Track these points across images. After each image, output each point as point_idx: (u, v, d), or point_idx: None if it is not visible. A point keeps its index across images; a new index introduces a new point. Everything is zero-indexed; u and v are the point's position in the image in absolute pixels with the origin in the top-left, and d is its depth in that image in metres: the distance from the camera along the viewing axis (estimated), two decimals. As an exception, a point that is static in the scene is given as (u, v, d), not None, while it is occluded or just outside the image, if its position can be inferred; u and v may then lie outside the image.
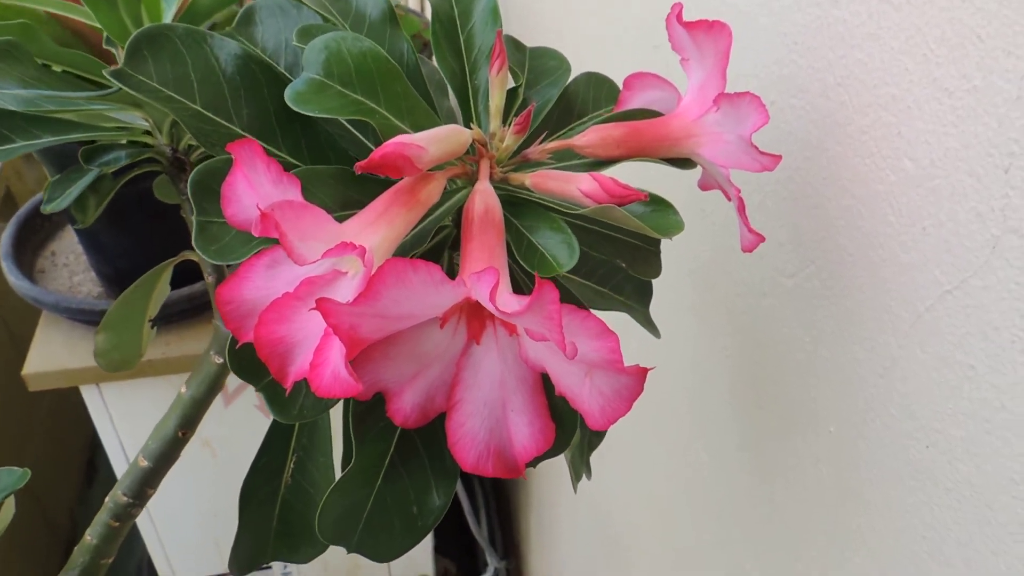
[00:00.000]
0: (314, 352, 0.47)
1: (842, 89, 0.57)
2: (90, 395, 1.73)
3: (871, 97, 0.55)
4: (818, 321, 0.65)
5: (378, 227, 0.47)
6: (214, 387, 0.79)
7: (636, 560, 1.26)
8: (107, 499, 0.86)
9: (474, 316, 0.49)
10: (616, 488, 1.30)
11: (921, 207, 0.52)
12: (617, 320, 0.73)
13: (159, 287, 0.83)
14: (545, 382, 0.50)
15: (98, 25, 0.66)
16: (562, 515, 1.75)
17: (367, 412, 0.55)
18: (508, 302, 0.42)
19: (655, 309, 0.73)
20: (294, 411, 0.54)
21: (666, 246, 0.64)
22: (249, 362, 0.53)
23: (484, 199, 0.50)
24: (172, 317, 1.64)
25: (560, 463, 0.84)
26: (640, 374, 0.46)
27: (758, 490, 0.81)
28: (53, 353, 1.64)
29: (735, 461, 0.85)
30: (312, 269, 0.47)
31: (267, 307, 0.47)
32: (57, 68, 0.67)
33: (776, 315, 0.72)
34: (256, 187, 0.46)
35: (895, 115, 0.53)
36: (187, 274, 1.55)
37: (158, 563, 2.10)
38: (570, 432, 0.54)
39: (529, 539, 2.23)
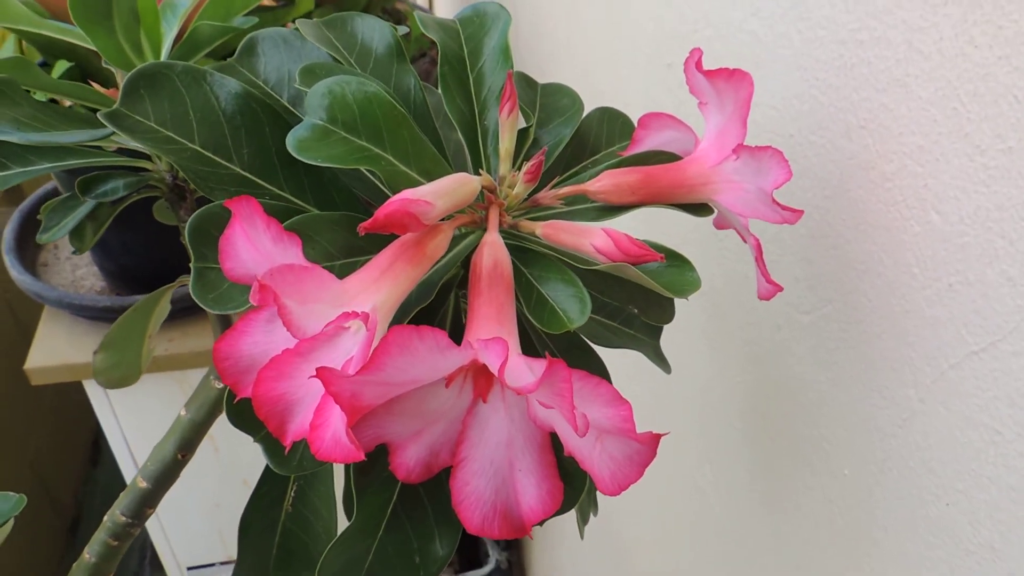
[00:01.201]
0: (314, 412, 0.45)
1: (865, 132, 0.55)
2: (93, 390, 1.72)
3: (896, 144, 0.52)
4: (835, 363, 0.63)
5: (382, 285, 0.46)
6: (214, 411, 0.77)
7: (641, 568, 1.25)
8: (106, 518, 0.85)
9: (481, 374, 0.48)
10: (622, 501, 1.28)
11: (948, 263, 0.50)
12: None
13: (159, 307, 0.81)
14: (554, 439, 0.48)
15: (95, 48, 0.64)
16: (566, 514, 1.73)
17: (369, 464, 0.53)
18: (518, 375, 0.41)
19: (665, 330, 0.70)
20: (293, 463, 0.52)
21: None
22: (247, 414, 0.51)
23: (493, 252, 0.48)
24: (176, 314, 1.62)
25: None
26: (653, 441, 0.44)
27: (766, 519, 0.79)
28: (56, 347, 1.62)
29: (744, 488, 0.84)
30: (313, 328, 0.45)
31: (266, 364, 0.45)
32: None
33: (790, 350, 0.70)
34: (255, 243, 0.44)
35: (922, 166, 0.51)
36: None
37: (162, 552, 2.10)
38: (579, 490, 0.52)
39: (532, 532, 2.21)
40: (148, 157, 0.69)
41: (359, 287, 0.45)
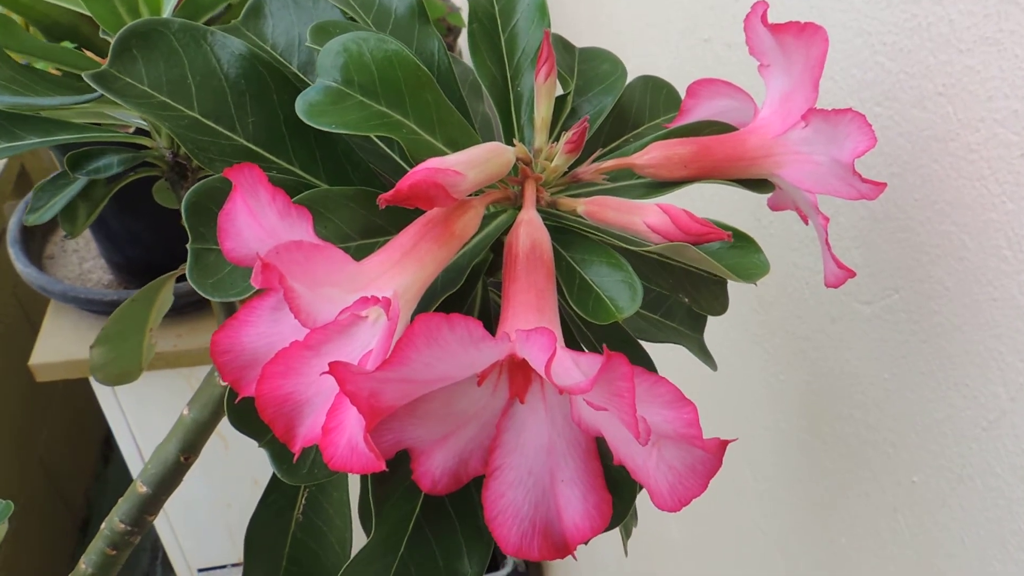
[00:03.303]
0: (327, 414, 0.39)
1: (944, 99, 0.49)
2: (100, 387, 1.67)
3: (984, 111, 0.46)
4: (902, 357, 0.57)
5: (405, 267, 0.40)
6: (219, 410, 0.72)
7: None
8: (103, 525, 0.79)
9: (518, 370, 0.42)
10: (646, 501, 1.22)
11: (1049, 244, 0.44)
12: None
13: (160, 298, 0.75)
14: (600, 445, 0.42)
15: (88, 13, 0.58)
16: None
17: (389, 472, 0.47)
18: (568, 374, 0.35)
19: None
20: (303, 472, 0.46)
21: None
22: (251, 415, 0.45)
23: (531, 232, 0.42)
24: (184, 308, 1.57)
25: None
26: (719, 448, 0.38)
27: (816, 529, 0.73)
28: (61, 343, 1.58)
29: (790, 494, 0.78)
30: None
31: (272, 359, 0.40)
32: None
33: (847, 344, 0.64)
34: (259, 219, 0.38)
35: (1017, 133, 0.44)
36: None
37: (171, 553, 2.05)
38: (628, 503, 0.46)
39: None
40: (147, 133, 0.63)
41: (379, 269, 0.39)
